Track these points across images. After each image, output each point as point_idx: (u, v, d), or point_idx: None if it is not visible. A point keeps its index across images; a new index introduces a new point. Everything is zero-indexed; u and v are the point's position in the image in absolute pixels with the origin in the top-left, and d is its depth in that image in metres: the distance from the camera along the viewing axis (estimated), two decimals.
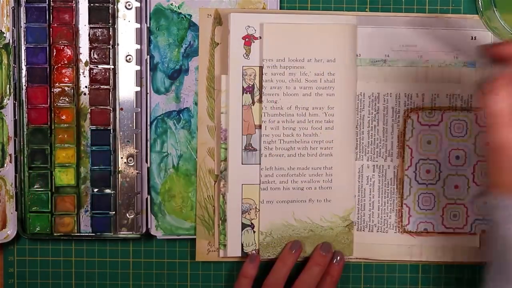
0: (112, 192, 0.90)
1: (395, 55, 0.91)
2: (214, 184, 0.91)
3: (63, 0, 0.88)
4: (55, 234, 0.90)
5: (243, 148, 0.89)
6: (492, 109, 0.68)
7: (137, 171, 0.89)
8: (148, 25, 0.90)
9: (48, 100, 0.88)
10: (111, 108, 0.89)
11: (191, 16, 0.90)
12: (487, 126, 0.69)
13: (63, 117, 0.89)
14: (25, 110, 0.88)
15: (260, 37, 0.88)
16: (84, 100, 0.90)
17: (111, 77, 0.89)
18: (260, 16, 0.88)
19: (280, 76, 0.88)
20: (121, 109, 0.89)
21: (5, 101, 0.89)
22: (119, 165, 0.89)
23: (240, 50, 0.88)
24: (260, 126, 0.89)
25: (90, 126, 0.89)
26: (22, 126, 0.89)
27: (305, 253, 0.91)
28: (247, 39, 0.88)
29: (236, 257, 0.91)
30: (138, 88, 0.89)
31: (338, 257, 0.91)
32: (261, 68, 0.88)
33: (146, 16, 0.89)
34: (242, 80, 0.88)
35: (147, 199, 0.91)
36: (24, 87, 0.88)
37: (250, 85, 0.89)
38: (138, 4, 0.88)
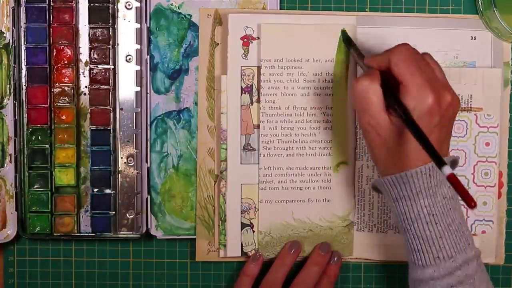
0: (112, 192, 0.90)
1: None
2: (214, 184, 0.91)
3: (63, 0, 0.88)
4: (55, 234, 0.90)
5: (242, 148, 0.89)
6: (357, 96, 0.75)
7: (137, 171, 0.90)
8: (148, 25, 0.90)
9: (48, 100, 0.89)
10: (111, 108, 0.89)
11: (191, 16, 0.91)
12: (357, 114, 0.77)
13: (63, 117, 0.89)
14: (25, 110, 0.89)
15: (258, 38, 0.88)
16: (84, 100, 0.90)
17: (111, 77, 0.89)
18: (259, 16, 0.88)
19: (278, 76, 0.88)
20: (121, 109, 0.89)
21: (5, 101, 0.89)
22: (119, 165, 0.89)
23: (239, 51, 0.88)
24: (258, 126, 0.89)
25: (90, 126, 0.90)
26: (22, 126, 0.89)
27: (304, 253, 0.91)
28: (245, 40, 0.88)
29: (236, 257, 0.91)
30: (138, 88, 0.89)
31: (336, 258, 0.91)
32: (259, 68, 0.88)
33: (146, 16, 0.90)
34: (241, 80, 0.88)
35: (147, 199, 0.91)
36: (24, 87, 0.88)
37: (249, 85, 0.89)
38: (138, 4, 0.88)
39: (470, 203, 0.62)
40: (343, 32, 0.88)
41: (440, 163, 0.65)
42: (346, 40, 0.88)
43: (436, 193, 0.73)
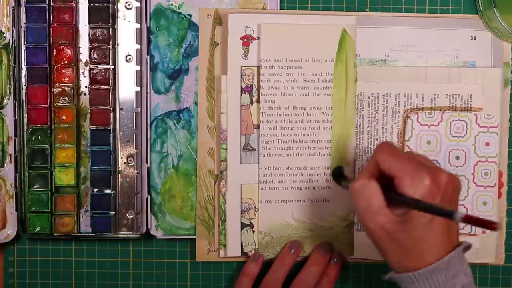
0: (112, 192, 0.90)
1: (395, 55, 0.91)
2: (214, 184, 0.91)
3: (63, 0, 0.88)
4: (55, 234, 0.90)
5: (242, 148, 0.89)
6: (357, 196, 0.75)
7: (137, 171, 0.90)
8: (148, 25, 0.90)
9: (48, 100, 0.89)
10: (111, 108, 0.89)
11: (191, 16, 0.91)
12: (359, 217, 0.77)
13: (63, 117, 0.89)
14: (25, 110, 0.89)
15: (258, 38, 0.88)
16: (84, 100, 0.90)
17: (111, 77, 0.89)
18: (258, 16, 0.88)
19: (278, 76, 0.88)
20: (121, 109, 0.89)
21: (5, 101, 0.89)
22: (119, 165, 0.89)
23: (239, 51, 0.88)
24: (258, 126, 0.89)
25: (90, 126, 0.90)
26: (22, 126, 0.89)
27: (304, 253, 0.91)
28: (245, 40, 0.88)
29: (236, 257, 0.91)
30: (138, 88, 0.89)
31: (336, 258, 0.91)
32: (259, 68, 0.88)
33: (146, 16, 0.90)
34: (241, 80, 0.88)
35: (147, 199, 0.91)
36: (24, 87, 0.88)
37: (249, 85, 0.89)
38: (138, 4, 0.88)
39: (492, 226, 0.63)
40: (336, 169, 0.90)
41: (450, 215, 0.66)
42: (338, 175, 0.90)
43: (455, 284, 0.73)
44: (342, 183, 0.88)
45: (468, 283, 0.74)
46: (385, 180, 0.75)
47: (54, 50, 0.89)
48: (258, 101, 0.89)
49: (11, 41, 0.88)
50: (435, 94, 0.90)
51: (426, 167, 0.73)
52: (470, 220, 0.64)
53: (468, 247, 0.76)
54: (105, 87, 0.89)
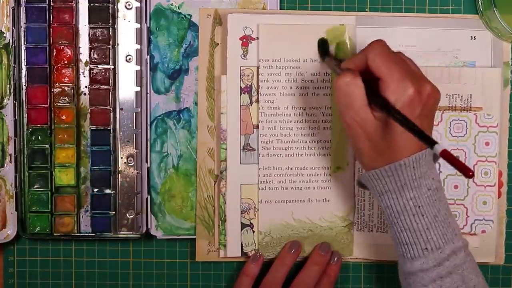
0: (112, 192, 0.90)
1: None
2: (214, 184, 0.91)
3: (63, 0, 0.89)
4: (55, 234, 0.90)
5: (242, 148, 0.89)
6: (340, 92, 0.75)
7: (137, 171, 0.90)
8: (148, 25, 0.90)
9: (48, 100, 0.89)
10: (111, 108, 0.89)
11: (191, 16, 0.91)
12: (339, 111, 0.77)
13: (63, 117, 0.89)
14: (25, 110, 0.89)
15: (257, 38, 0.88)
16: (84, 100, 0.90)
17: (111, 77, 0.89)
18: (258, 16, 0.88)
19: (277, 76, 0.88)
20: (121, 109, 0.89)
21: (5, 101, 0.89)
22: (119, 165, 0.89)
23: (238, 51, 0.88)
24: (258, 126, 0.89)
25: (90, 126, 0.90)
26: (22, 126, 0.89)
27: (304, 253, 0.91)
28: (244, 40, 0.88)
29: (236, 257, 0.91)
30: (138, 88, 0.89)
31: (336, 258, 0.91)
32: (258, 68, 0.88)
33: (146, 16, 0.90)
34: (240, 80, 0.88)
35: (147, 199, 0.91)
36: (24, 87, 0.88)
37: (248, 85, 0.89)
38: (138, 4, 0.88)
39: (468, 173, 0.63)
40: (323, 41, 0.89)
41: (430, 142, 0.66)
42: (323, 49, 0.88)
43: (421, 185, 0.74)
44: (325, 59, 0.87)
45: (435, 187, 0.75)
46: (370, 75, 0.75)
47: (54, 50, 0.89)
48: (257, 101, 0.89)
49: (11, 41, 0.88)
50: None
51: (413, 76, 0.74)
52: (448, 157, 0.64)
53: (436, 157, 0.76)
54: (105, 87, 0.89)
